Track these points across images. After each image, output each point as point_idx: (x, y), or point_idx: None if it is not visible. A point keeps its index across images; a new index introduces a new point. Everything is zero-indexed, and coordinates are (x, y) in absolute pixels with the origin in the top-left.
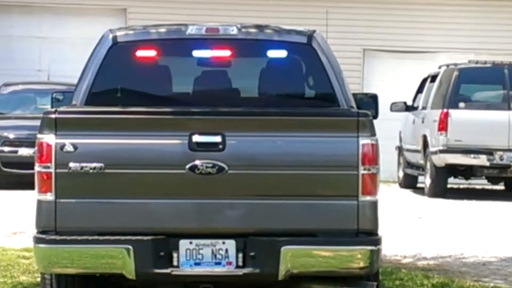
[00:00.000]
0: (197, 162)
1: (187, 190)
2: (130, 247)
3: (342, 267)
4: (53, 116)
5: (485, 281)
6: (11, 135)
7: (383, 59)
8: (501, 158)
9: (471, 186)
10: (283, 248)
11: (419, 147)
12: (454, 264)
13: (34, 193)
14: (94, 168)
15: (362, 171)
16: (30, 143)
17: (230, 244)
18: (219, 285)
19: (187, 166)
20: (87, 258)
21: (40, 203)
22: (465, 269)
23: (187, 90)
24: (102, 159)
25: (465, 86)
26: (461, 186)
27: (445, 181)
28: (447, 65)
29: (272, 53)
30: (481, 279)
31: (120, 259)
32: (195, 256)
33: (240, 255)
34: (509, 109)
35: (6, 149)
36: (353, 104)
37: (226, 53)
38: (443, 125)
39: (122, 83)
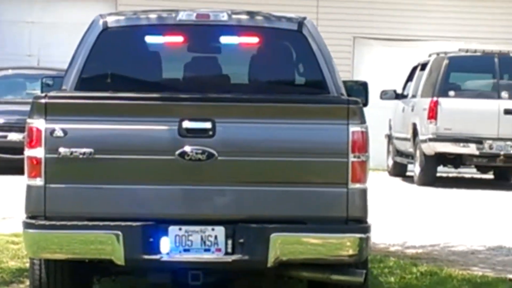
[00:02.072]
0: (187, 148)
1: (176, 176)
2: (119, 233)
3: (331, 254)
4: (43, 101)
5: (473, 270)
6: (1, 120)
7: (373, 47)
8: (491, 147)
9: (460, 175)
10: (272, 235)
11: (409, 135)
12: (442, 252)
13: (23, 178)
14: (84, 153)
15: (351, 158)
16: (20, 128)
17: (220, 230)
18: (208, 271)
19: (177, 152)
20: (76, 244)
21: (29, 188)
22: (453, 257)
23: (178, 76)
24: (92, 144)
25: (455, 74)
26: (450, 175)
27: (434, 170)
28: (437, 53)
29: (263, 40)
30: (469, 267)
31: (109, 245)
32: (184, 243)
33: (230, 241)
34: (499, 98)
35: None
36: (343, 91)
37: (216, 39)
38: (432, 114)
39: (112, 68)
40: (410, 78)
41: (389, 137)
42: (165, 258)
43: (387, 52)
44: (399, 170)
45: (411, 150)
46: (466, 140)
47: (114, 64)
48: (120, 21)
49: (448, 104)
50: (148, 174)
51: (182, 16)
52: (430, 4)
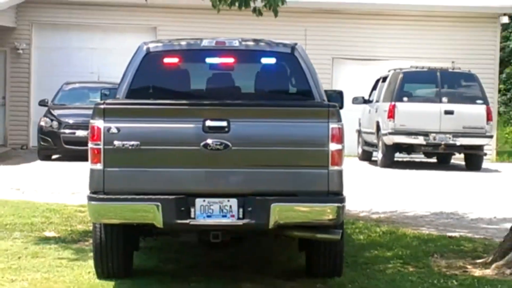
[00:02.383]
0: (209, 141)
1: (201, 161)
2: (159, 203)
3: (316, 219)
4: (102, 106)
5: (422, 229)
6: (70, 121)
7: (347, 65)
8: (434, 139)
9: (412, 159)
10: (272, 205)
11: (374, 130)
12: (398, 217)
13: (87, 164)
14: (132, 145)
15: (331, 147)
16: (85, 126)
17: (233, 202)
18: (225, 232)
19: (201, 144)
20: (127, 212)
21: (92, 171)
22: (407, 220)
23: (202, 87)
24: (138, 138)
25: (408, 85)
26: (405, 159)
27: (392, 156)
28: (394, 69)
29: (265, 60)
30: (419, 228)
31: (152, 213)
32: (207, 211)
33: (241, 210)
34: (440, 102)
35: (67, 131)
36: (325, 98)
37: (230, 60)
38: (391, 114)
39: (153, 82)
40: (374, 87)
41: (359, 132)
42: (193, 222)
43: (358, 69)
44: (366, 156)
45: (375, 141)
46: (416, 133)
47: (155, 79)
48: (159, 46)
49: (403, 107)
50: (180, 160)
51: (205, 43)
52: (390, 32)
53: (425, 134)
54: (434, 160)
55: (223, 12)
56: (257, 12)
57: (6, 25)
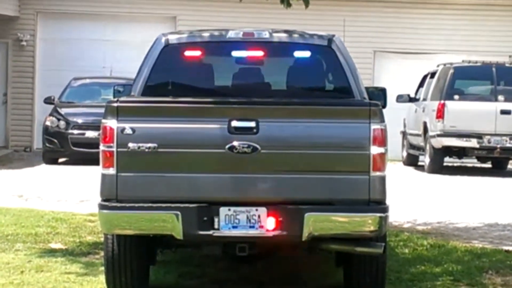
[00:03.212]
0: (235, 143)
1: (226, 166)
2: (178, 212)
3: (355, 230)
4: (115, 104)
5: (474, 242)
6: (80, 120)
7: (390, 59)
8: (489, 141)
9: (463, 164)
10: (306, 215)
11: (420, 131)
12: (448, 228)
13: (98, 168)
14: (149, 147)
15: (373, 151)
16: (95, 127)
17: (262, 211)
18: (253, 245)
19: (227, 146)
20: (143, 222)
21: (104, 176)
22: (457, 232)
23: (227, 83)
24: (155, 140)
25: (459, 81)
26: (455, 164)
27: (441, 160)
28: (444, 64)
29: (298, 54)
30: (471, 241)
31: (170, 223)
32: (233, 221)
33: (271, 220)
34: (496, 100)
35: (75, 132)
36: (366, 96)
37: (259, 53)
38: (440, 114)
39: (173, 78)
40: (421, 84)
41: (404, 133)
42: (216, 233)
43: (402, 63)
44: (412, 161)
45: (422, 144)
46: (468, 135)
47: (174, 74)
48: (179, 38)
49: (453, 106)
50: (202, 164)
51: (231, 35)
52: (438, 23)
53: (479, 136)
54: (488, 165)
55: (250, 0)
56: (286, 3)
57: (8, 14)
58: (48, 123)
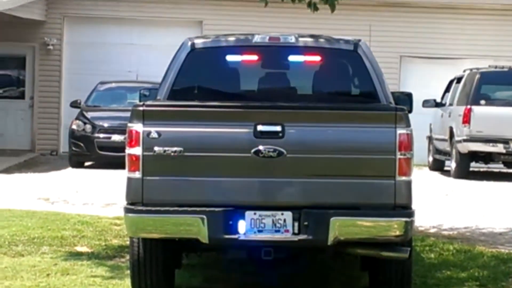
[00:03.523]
0: (261, 147)
1: (252, 170)
2: (204, 216)
3: (381, 235)
4: (141, 108)
5: (500, 248)
6: (106, 124)
7: (416, 64)
8: None
9: (490, 170)
10: (332, 219)
11: (446, 136)
12: (474, 233)
13: (124, 172)
14: (175, 151)
15: (399, 155)
16: (121, 131)
17: (288, 215)
18: (278, 249)
19: (252, 151)
20: (168, 226)
21: (129, 180)
22: (483, 238)
23: (253, 88)
24: (181, 144)
25: (485, 86)
26: (481, 170)
27: (468, 165)
28: (471, 69)
29: (324, 58)
30: (497, 246)
31: (196, 227)
32: (258, 225)
33: (296, 224)
34: None
35: (102, 135)
36: (392, 100)
37: (285, 58)
38: (466, 119)
39: (199, 82)
40: (447, 89)
41: (430, 138)
42: (242, 237)
43: (428, 68)
44: (438, 166)
45: (448, 149)
46: (495, 140)
47: (200, 78)
48: (205, 43)
49: (480, 111)
50: (228, 168)
51: (257, 39)
52: (464, 28)
53: (505, 141)
54: None
55: (276, 5)
56: (312, 7)
57: (36, 18)
58: (74, 126)
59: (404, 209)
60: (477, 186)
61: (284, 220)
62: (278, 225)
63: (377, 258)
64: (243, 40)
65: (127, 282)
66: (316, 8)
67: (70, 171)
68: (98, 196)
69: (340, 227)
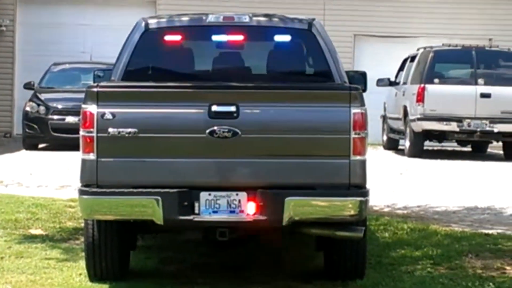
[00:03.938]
0: (215, 127)
1: (207, 151)
2: (159, 198)
3: (336, 214)
4: (95, 89)
5: (454, 226)
6: (60, 106)
7: (370, 43)
8: (469, 125)
9: (444, 148)
10: (286, 199)
11: (400, 115)
12: (428, 212)
13: (78, 153)
14: (129, 132)
15: (353, 135)
16: (75, 112)
17: (242, 195)
18: (233, 229)
19: (207, 131)
20: (123, 207)
21: (84, 161)
22: (437, 216)
23: (207, 68)
24: (136, 125)
25: (439, 65)
26: (435, 148)
27: (422, 144)
28: (424, 48)
29: (279, 38)
30: (450, 224)
31: (151, 208)
32: (213, 206)
33: (251, 204)
34: (476, 84)
35: (55, 117)
36: (346, 80)
37: (240, 37)
38: (420, 98)
39: (153, 62)
40: (401, 68)
41: (384, 117)
42: (197, 218)
43: (382, 47)
44: (392, 145)
45: (402, 128)
46: (448, 119)
47: (154, 59)
48: (159, 23)
49: (433, 89)
50: (183, 149)
51: (211, 19)
52: (418, 6)
53: (459, 120)
54: (468, 149)
55: None
56: None
57: None
58: (28, 108)
59: (359, 189)
60: (431, 165)
61: (239, 201)
62: (233, 205)
63: (332, 238)
64: (197, 20)
65: (82, 264)
66: None
67: (24, 153)
68: (52, 178)
69: (295, 207)
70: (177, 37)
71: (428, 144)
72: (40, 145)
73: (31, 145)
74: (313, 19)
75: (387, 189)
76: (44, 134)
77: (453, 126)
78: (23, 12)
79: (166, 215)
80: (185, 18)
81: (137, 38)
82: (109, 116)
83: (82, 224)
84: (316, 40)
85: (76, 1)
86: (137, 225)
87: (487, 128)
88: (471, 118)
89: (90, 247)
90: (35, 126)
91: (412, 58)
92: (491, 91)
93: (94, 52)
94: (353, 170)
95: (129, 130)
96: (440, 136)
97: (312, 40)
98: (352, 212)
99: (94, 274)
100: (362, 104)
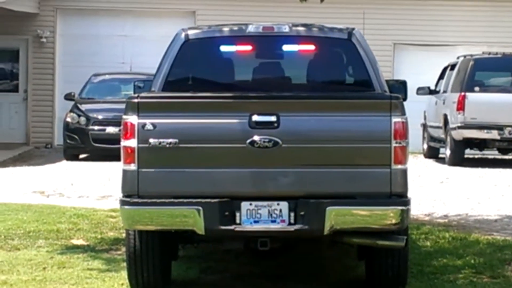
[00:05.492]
0: (256, 137)
1: (247, 161)
2: (200, 208)
3: (377, 224)
4: (136, 100)
5: (496, 235)
6: (100, 116)
7: (410, 51)
8: (510, 133)
9: (484, 156)
10: (328, 208)
11: (441, 124)
12: (469, 220)
13: (119, 164)
14: (170, 143)
15: (394, 144)
16: (116, 122)
17: (284, 205)
18: (275, 239)
19: (248, 141)
20: (165, 217)
21: (125, 172)
22: (479, 225)
23: (247, 78)
24: (176, 135)
25: (479, 73)
26: (476, 156)
27: (462, 152)
28: (464, 56)
29: (318, 47)
30: (492, 233)
31: (192, 218)
32: (254, 215)
33: (292, 214)
34: None
35: (96, 127)
36: (386, 89)
37: (279, 47)
38: (461, 106)
39: (193, 73)
40: (441, 76)
41: (424, 126)
42: (238, 228)
43: (422, 55)
44: (432, 153)
45: (442, 136)
46: (489, 127)
47: (195, 69)
48: (199, 33)
49: (474, 97)
50: (224, 159)
51: (251, 29)
52: (458, 14)
53: (500, 128)
54: (509, 157)
55: None
56: None
57: (28, 11)
58: (68, 119)
59: (400, 198)
60: (471, 173)
61: (280, 210)
62: (274, 215)
63: (374, 247)
64: (237, 30)
65: (124, 274)
66: None
67: (65, 164)
68: (93, 189)
69: (336, 217)
70: (217, 48)
71: (469, 153)
72: (81, 156)
73: (72, 156)
74: (353, 29)
75: (428, 197)
76: (84, 144)
77: (494, 134)
78: (63, 24)
79: (207, 225)
80: (224, 29)
81: (177, 49)
82: (150, 127)
83: (124, 234)
84: (356, 50)
85: (115, 12)
86: (179, 235)
87: None
88: None
89: (132, 257)
90: (76, 137)
91: (452, 67)
92: None
93: (134, 63)
94: (394, 179)
95: (170, 140)
96: (481, 144)
97: (352, 49)
98: (394, 221)
99: (136, 284)
100: (402, 113)
